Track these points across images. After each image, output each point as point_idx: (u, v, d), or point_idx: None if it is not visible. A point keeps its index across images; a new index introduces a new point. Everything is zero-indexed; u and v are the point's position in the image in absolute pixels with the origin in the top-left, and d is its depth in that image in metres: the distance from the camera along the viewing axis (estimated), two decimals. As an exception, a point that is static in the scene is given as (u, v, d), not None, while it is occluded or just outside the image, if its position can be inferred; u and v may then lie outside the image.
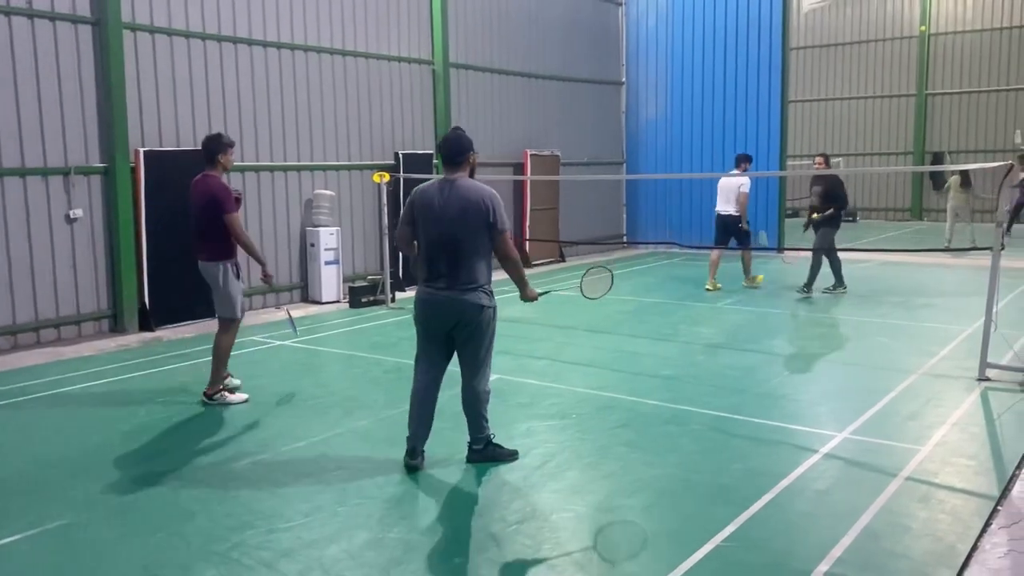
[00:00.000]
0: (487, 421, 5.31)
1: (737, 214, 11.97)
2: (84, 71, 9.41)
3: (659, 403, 6.60)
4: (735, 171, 12.37)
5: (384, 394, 7.02)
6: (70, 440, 5.98)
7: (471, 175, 5.19)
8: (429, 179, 13.26)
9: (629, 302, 11.51)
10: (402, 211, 5.25)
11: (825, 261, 11.64)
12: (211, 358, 6.79)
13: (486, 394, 5.26)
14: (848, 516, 4.43)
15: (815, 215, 11.65)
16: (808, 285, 11.60)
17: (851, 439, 5.71)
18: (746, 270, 12.59)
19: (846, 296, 11.58)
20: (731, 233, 12.12)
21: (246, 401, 6.77)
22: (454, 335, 5.11)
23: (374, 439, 5.85)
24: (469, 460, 5.33)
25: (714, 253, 12.49)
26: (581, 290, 5.80)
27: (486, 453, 5.31)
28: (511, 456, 5.36)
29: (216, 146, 6.60)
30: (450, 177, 5.06)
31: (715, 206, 12.28)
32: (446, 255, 4.96)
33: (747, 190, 12.04)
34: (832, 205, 11.45)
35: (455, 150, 5.08)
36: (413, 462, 5.19)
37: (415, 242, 5.14)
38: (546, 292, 5.67)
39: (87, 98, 9.46)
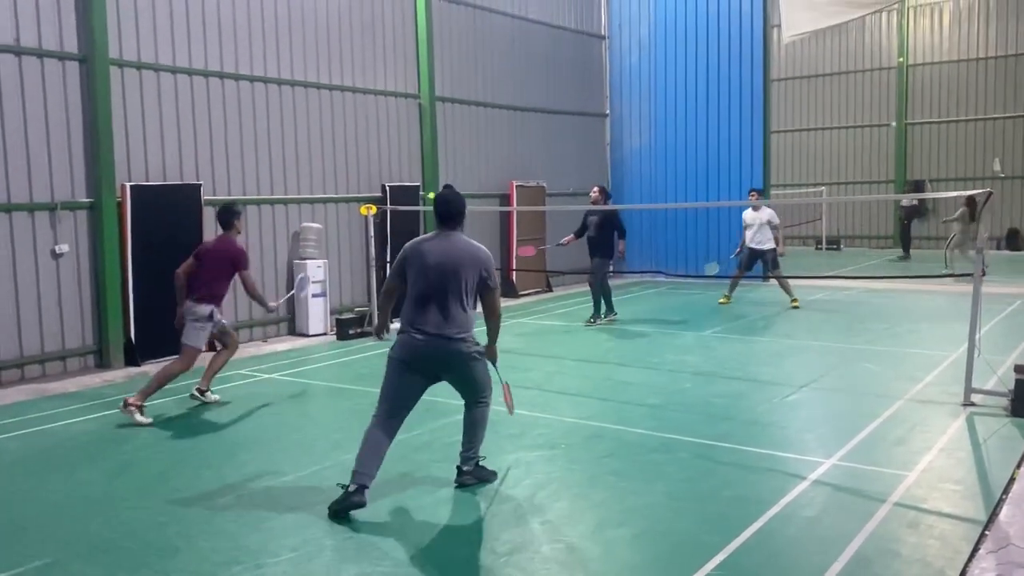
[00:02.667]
0: (480, 445, 5.46)
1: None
2: (71, 107, 9.44)
3: (647, 432, 6.60)
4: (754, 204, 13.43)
5: (372, 426, 6.97)
6: (52, 477, 5.91)
7: (462, 230, 5.42)
8: (415, 210, 13.25)
9: (616, 331, 11.54)
10: (393, 264, 5.47)
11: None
12: (154, 377, 7.49)
13: (483, 422, 5.45)
14: (838, 542, 4.43)
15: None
16: (596, 315, 11.96)
17: (839, 465, 5.73)
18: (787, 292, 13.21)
19: (819, 323, 11.65)
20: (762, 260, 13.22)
21: (150, 424, 7.16)
22: (442, 377, 5.30)
23: (362, 472, 5.80)
24: (458, 482, 5.41)
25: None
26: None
27: (476, 473, 5.45)
28: (492, 476, 5.52)
29: (230, 215, 7.86)
30: (446, 233, 5.29)
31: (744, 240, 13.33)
32: (437, 304, 5.14)
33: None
34: (608, 236, 11.71)
35: (454, 210, 5.31)
36: (359, 499, 4.95)
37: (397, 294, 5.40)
38: (497, 372, 5.58)
39: (74, 133, 9.48)
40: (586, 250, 12.03)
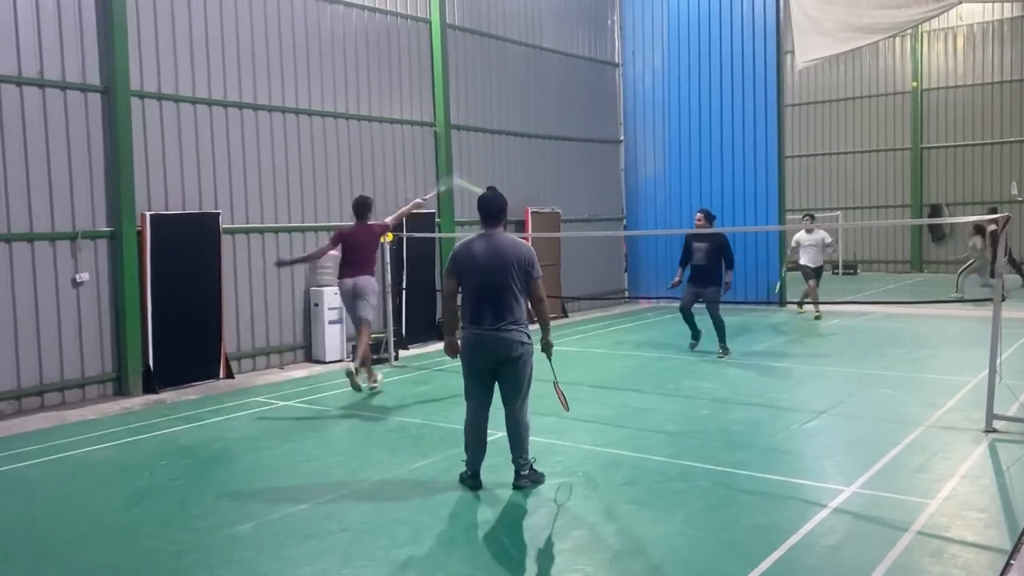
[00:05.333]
0: (529, 447, 5.93)
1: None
2: (93, 138, 9.59)
3: (665, 459, 6.56)
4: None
5: (388, 454, 6.98)
6: (72, 505, 5.94)
7: (504, 228, 5.98)
8: (432, 237, 13.31)
9: (633, 357, 11.50)
10: (446, 265, 6.00)
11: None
12: (361, 355, 9.23)
13: (527, 423, 5.90)
14: (859, 572, 4.38)
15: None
16: (722, 343, 11.15)
17: (860, 493, 5.67)
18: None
19: (838, 349, 11.58)
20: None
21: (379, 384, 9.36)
22: (497, 371, 5.79)
23: (378, 500, 5.80)
24: (515, 486, 5.85)
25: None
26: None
27: (531, 476, 5.91)
28: (543, 477, 6.02)
29: (365, 206, 9.57)
30: (490, 232, 5.85)
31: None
32: (491, 299, 5.70)
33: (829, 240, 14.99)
34: (719, 263, 11.04)
35: (496, 209, 5.93)
36: (475, 484, 5.86)
37: (458, 291, 5.91)
38: (553, 368, 6.19)
39: (95, 164, 9.62)
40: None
